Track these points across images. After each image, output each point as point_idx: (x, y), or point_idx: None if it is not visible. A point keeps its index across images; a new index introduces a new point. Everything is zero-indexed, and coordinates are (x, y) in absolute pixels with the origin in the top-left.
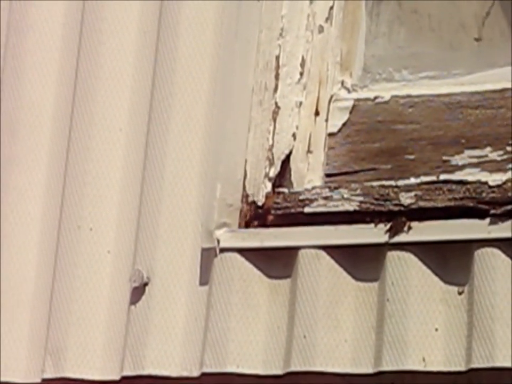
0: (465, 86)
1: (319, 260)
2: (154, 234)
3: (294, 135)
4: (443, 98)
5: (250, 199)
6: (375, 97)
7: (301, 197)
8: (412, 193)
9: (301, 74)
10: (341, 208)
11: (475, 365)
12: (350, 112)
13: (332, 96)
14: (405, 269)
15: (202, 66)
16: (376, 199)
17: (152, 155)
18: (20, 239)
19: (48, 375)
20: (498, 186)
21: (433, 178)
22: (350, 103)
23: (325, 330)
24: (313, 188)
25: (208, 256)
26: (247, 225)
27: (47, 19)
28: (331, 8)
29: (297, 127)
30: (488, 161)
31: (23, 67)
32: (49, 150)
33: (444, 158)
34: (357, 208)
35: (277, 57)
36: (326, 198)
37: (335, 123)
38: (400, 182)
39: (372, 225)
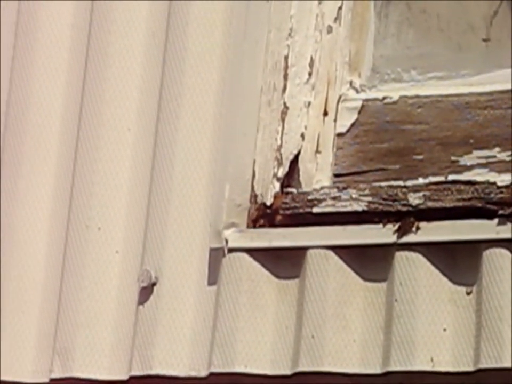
0: (474, 87)
1: (327, 260)
2: (163, 234)
3: (302, 135)
4: (451, 98)
5: (258, 199)
6: (384, 98)
7: (310, 197)
8: (420, 194)
9: (310, 74)
10: (349, 208)
11: (483, 365)
12: (359, 113)
13: (340, 96)
14: (413, 269)
15: (211, 66)
16: (385, 199)
17: (160, 155)
18: (28, 239)
19: (56, 375)
20: (506, 186)
21: (442, 178)
22: (358, 103)
23: (333, 330)
24: (322, 188)
25: (216, 256)
26: (256, 225)
27: (56, 20)
28: (340, 8)
29: (305, 127)
30: (497, 162)
31: (32, 68)
32: (57, 150)
33: (453, 158)
34: (365, 208)
35: (286, 58)
36: (334, 198)
37: (344, 123)
38: (409, 182)
39: (380, 225)
